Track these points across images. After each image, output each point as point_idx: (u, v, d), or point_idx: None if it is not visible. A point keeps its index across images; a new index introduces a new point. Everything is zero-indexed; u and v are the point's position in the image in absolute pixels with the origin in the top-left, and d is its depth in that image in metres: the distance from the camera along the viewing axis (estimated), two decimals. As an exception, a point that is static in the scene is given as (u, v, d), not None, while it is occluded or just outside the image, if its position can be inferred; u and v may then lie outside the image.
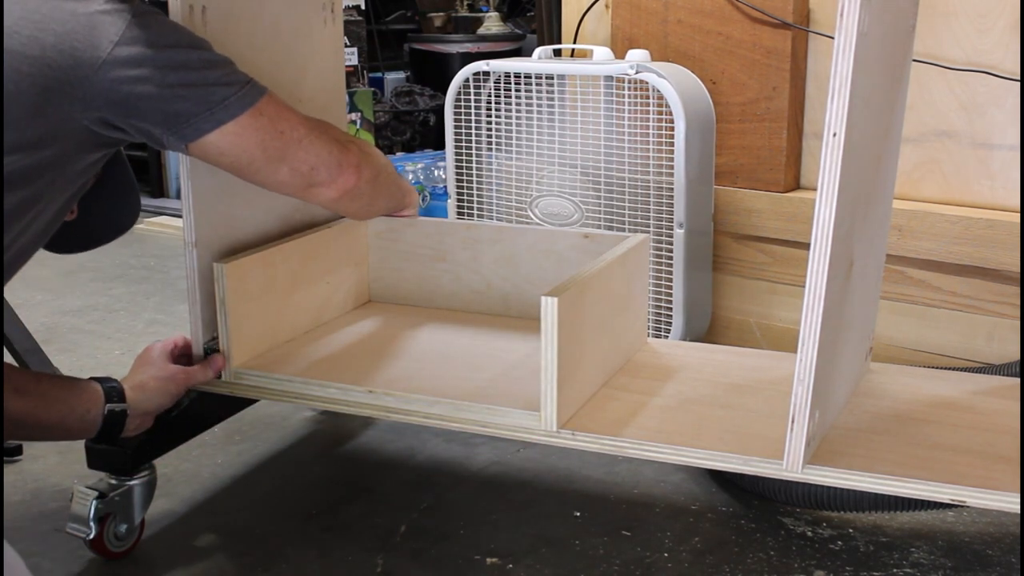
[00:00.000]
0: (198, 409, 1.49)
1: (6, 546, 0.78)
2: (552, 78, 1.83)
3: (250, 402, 1.58)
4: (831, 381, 1.16)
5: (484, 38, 4.19)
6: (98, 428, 1.25)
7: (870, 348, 1.40)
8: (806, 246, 1.05)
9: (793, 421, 1.09)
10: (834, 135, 1.01)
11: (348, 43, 3.52)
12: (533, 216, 1.90)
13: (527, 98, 1.85)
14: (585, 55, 1.99)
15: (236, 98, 1.14)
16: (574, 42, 2.12)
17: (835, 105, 1.00)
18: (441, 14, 4.42)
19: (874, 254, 1.30)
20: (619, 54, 1.97)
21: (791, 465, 1.11)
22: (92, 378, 1.27)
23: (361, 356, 1.45)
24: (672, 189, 1.74)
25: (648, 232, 1.75)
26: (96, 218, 1.32)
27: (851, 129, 1.02)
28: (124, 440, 1.29)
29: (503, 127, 1.88)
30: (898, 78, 1.24)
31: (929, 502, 1.33)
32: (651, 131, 1.74)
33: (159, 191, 3.93)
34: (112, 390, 1.26)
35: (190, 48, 1.15)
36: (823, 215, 1.02)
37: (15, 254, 1.14)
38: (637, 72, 1.72)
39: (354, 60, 3.69)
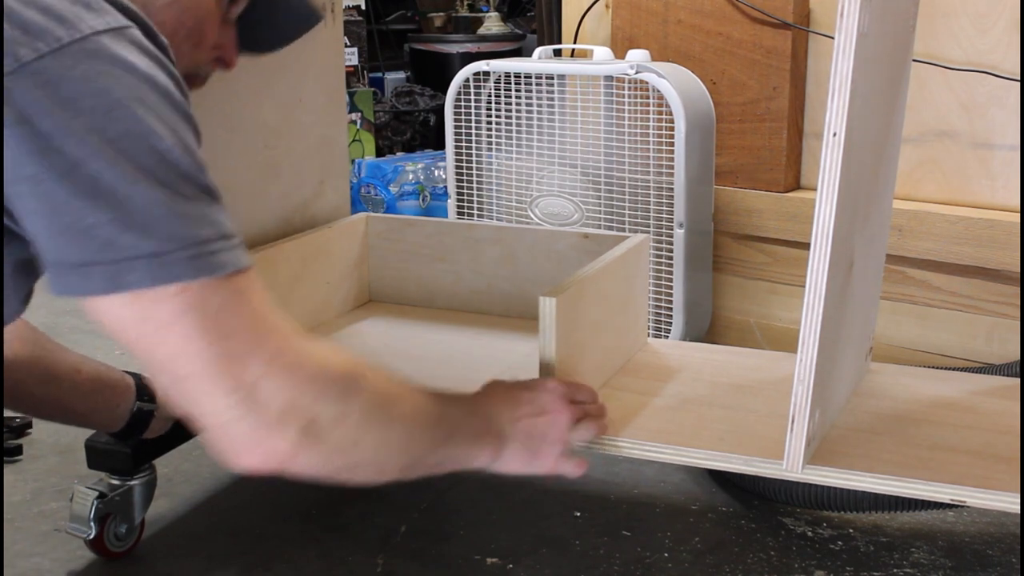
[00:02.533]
0: (198, 409, 1.49)
1: None
2: (552, 78, 1.83)
3: (250, 402, 1.58)
4: (831, 381, 1.16)
5: (484, 38, 4.19)
6: (123, 424, 1.23)
7: (870, 348, 1.40)
8: (806, 246, 1.05)
9: (793, 421, 1.09)
10: (834, 135, 1.01)
11: (348, 43, 3.52)
12: (533, 216, 1.90)
13: (527, 98, 1.85)
14: (585, 55, 1.99)
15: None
16: (574, 42, 2.12)
17: (835, 105, 1.00)
18: (441, 14, 4.42)
19: (874, 254, 1.30)
20: (619, 54, 1.97)
21: (791, 465, 1.11)
22: (127, 371, 1.24)
23: (361, 356, 1.44)
24: (672, 189, 1.74)
25: (648, 232, 1.75)
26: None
27: (851, 129, 1.02)
28: (125, 440, 1.29)
29: (503, 127, 1.88)
30: (898, 78, 1.24)
31: (929, 502, 1.33)
32: (651, 131, 1.74)
33: (159, 191, 3.92)
34: (144, 387, 1.24)
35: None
36: (823, 215, 1.02)
37: None
38: (637, 72, 1.72)
39: (354, 60, 3.69)
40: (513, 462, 1.01)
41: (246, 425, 0.73)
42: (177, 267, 0.70)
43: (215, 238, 0.72)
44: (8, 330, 1.00)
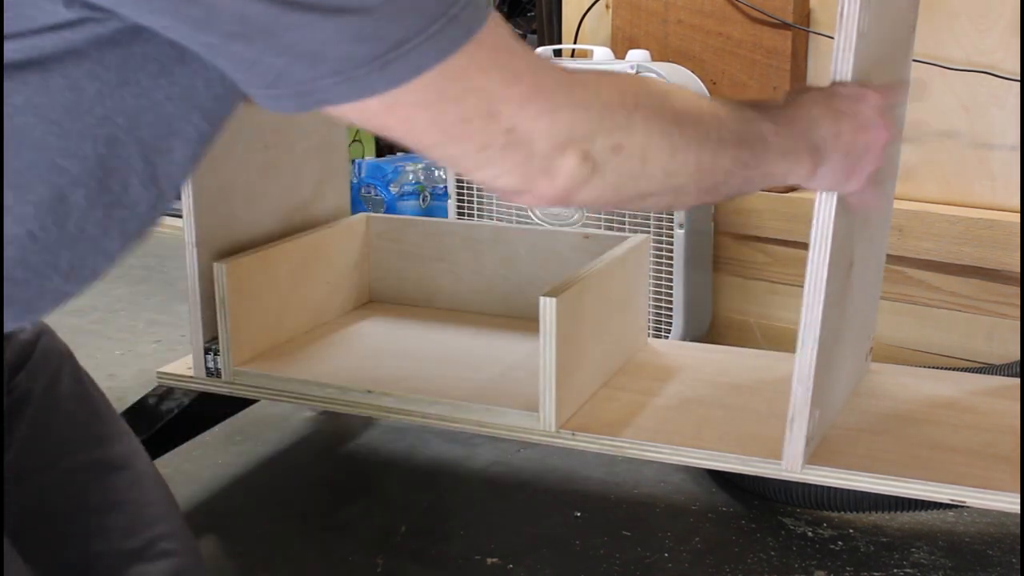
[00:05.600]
0: (198, 409, 1.49)
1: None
2: (552, 78, 1.83)
3: (250, 402, 1.58)
4: (830, 381, 1.16)
5: (484, 38, 4.19)
6: None
7: (870, 348, 1.40)
8: (806, 246, 1.05)
9: (792, 421, 1.09)
10: None
11: (348, 43, 3.51)
12: (533, 216, 1.90)
13: (527, 98, 1.84)
14: (585, 55, 1.99)
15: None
16: (574, 42, 2.12)
17: None
18: (441, 14, 4.41)
19: (875, 254, 1.30)
20: (619, 54, 1.97)
21: (790, 465, 1.11)
22: None
23: (361, 356, 1.45)
24: (672, 189, 1.73)
25: (648, 232, 1.75)
26: None
27: None
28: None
29: (503, 127, 1.88)
30: (898, 79, 1.24)
31: (929, 502, 1.33)
32: (651, 131, 1.74)
33: (159, 191, 3.93)
34: None
35: None
36: (822, 216, 1.02)
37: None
38: (637, 72, 1.72)
39: (354, 60, 3.68)
40: (827, 179, 0.90)
41: (511, 174, 0.68)
42: (365, 83, 0.62)
43: (401, 41, 0.61)
44: None
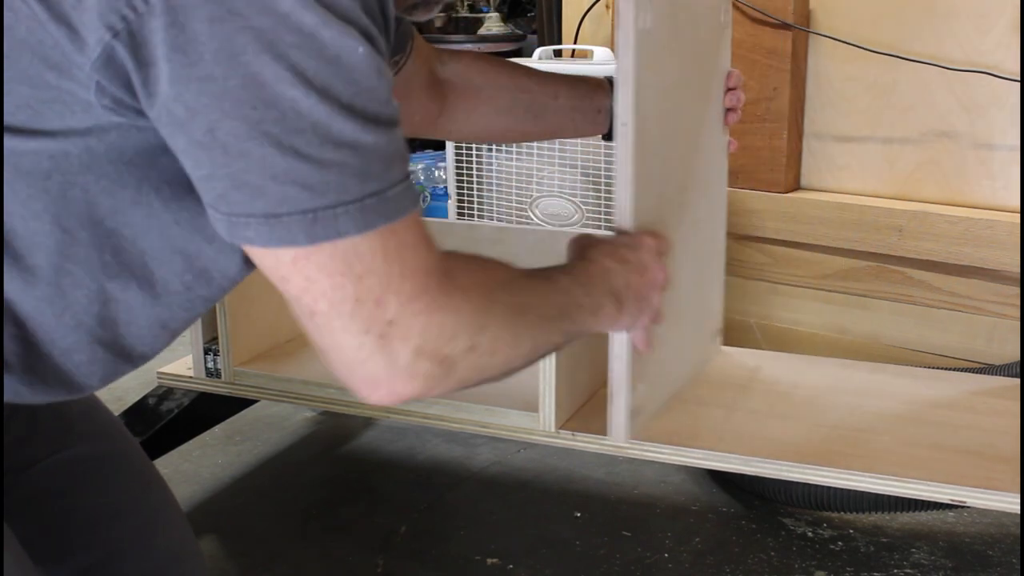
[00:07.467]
0: (198, 409, 1.49)
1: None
2: (552, 78, 1.83)
3: (250, 402, 1.58)
4: (656, 357, 1.18)
5: (485, 39, 4.19)
6: (608, 127, 1.23)
7: (718, 329, 1.43)
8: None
9: (613, 396, 1.13)
10: (623, 124, 1.06)
11: (348, 43, 3.51)
12: (533, 216, 1.90)
13: (527, 98, 1.84)
14: (585, 56, 1.99)
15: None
16: (574, 42, 2.12)
17: (622, 96, 1.05)
18: (442, 14, 4.42)
19: (705, 238, 1.32)
20: (619, 54, 1.97)
21: (615, 437, 1.15)
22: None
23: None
24: (672, 189, 1.73)
25: (648, 232, 1.75)
26: None
27: (644, 119, 1.07)
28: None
29: (503, 127, 1.88)
30: (709, 72, 1.27)
31: (929, 502, 1.33)
32: (651, 131, 1.74)
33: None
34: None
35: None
36: (622, 200, 1.06)
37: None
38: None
39: (354, 60, 3.68)
40: (626, 321, 0.97)
41: (377, 366, 0.70)
42: (291, 231, 0.65)
43: (336, 202, 0.65)
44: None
